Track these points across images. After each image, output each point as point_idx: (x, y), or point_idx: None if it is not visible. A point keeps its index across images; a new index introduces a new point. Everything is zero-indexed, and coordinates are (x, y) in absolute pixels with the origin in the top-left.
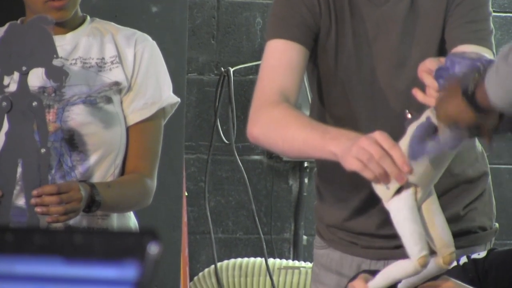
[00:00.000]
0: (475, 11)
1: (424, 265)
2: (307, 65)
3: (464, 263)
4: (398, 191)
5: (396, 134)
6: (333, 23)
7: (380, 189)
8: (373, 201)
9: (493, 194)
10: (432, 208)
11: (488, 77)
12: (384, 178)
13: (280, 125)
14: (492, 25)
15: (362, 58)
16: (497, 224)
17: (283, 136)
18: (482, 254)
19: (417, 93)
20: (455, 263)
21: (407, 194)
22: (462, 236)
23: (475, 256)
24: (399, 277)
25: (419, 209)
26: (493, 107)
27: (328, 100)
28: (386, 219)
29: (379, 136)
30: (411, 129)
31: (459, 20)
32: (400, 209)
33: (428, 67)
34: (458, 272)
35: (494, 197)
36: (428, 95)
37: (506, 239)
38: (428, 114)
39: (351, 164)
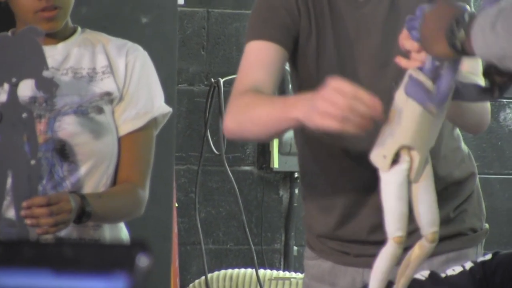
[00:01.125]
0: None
1: (399, 244)
2: (290, 71)
3: (471, 267)
4: (395, 161)
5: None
6: (313, 26)
7: (377, 159)
8: (360, 204)
9: (484, 204)
10: (424, 184)
11: (474, 37)
12: (362, 122)
13: (247, 108)
14: None
15: (344, 60)
16: (487, 225)
17: (251, 118)
18: (488, 256)
19: (400, 61)
20: (461, 268)
21: (400, 169)
22: (453, 238)
23: (481, 259)
24: (385, 264)
25: (413, 183)
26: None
27: None
28: (376, 224)
29: (337, 83)
30: (398, 94)
31: None
32: (388, 183)
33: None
34: (465, 276)
35: (485, 207)
36: (412, 60)
37: (497, 248)
38: (409, 73)
39: (319, 121)
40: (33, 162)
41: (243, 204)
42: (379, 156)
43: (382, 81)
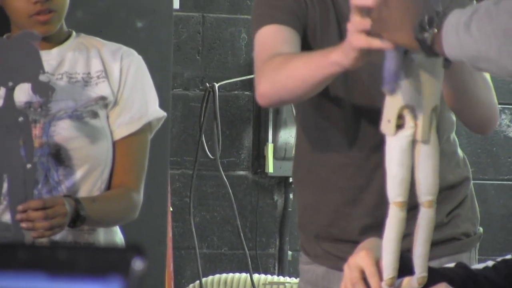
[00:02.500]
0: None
1: (401, 207)
2: None
3: (494, 265)
4: (401, 127)
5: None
6: (318, 21)
7: (383, 125)
8: (352, 204)
9: (479, 209)
10: (425, 151)
11: (445, 36)
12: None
13: (282, 65)
14: None
15: None
16: (481, 229)
17: (287, 73)
18: (508, 256)
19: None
20: (484, 264)
21: (404, 134)
22: (446, 243)
23: (500, 258)
24: (390, 232)
25: (417, 146)
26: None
27: (314, 101)
28: (368, 224)
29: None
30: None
31: None
32: (392, 148)
33: None
34: (492, 272)
35: (480, 213)
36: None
37: (492, 254)
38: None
39: (357, 42)
40: (29, 166)
41: (237, 209)
42: (384, 122)
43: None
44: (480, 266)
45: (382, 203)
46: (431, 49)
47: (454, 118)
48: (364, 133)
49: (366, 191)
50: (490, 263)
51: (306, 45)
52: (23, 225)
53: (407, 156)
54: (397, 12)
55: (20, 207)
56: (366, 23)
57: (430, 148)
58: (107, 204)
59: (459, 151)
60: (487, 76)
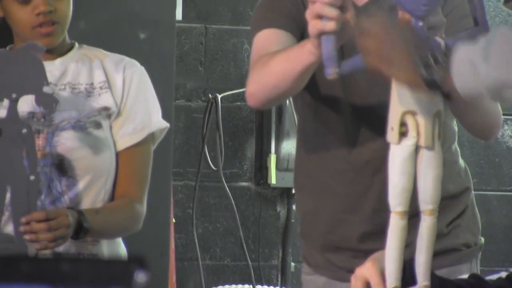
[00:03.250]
0: (466, 20)
1: (402, 217)
2: None
3: (508, 275)
4: (404, 134)
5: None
6: None
7: (388, 133)
8: (351, 210)
9: (481, 220)
10: (430, 160)
11: (457, 72)
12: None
13: (265, 65)
14: None
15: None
16: (482, 239)
17: (269, 70)
18: None
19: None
20: (498, 275)
21: (406, 144)
22: (446, 254)
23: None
24: (393, 240)
25: (420, 153)
26: (459, 94)
27: (312, 106)
28: (367, 232)
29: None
30: None
31: (450, 29)
32: (394, 157)
33: None
34: (504, 283)
35: (482, 224)
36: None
37: (494, 265)
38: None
39: (312, 34)
40: (32, 177)
41: (240, 220)
42: (389, 130)
43: (381, 83)
44: (494, 277)
45: (381, 210)
46: (439, 87)
47: (456, 128)
48: (363, 138)
49: (365, 197)
50: (503, 274)
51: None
52: (26, 237)
53: (409, 165)
54: (398, 50)
55: (23, 219)
56: (317, 7)
57: (433, 156)
58: (110, 216)
59: (461, 161)
60: None
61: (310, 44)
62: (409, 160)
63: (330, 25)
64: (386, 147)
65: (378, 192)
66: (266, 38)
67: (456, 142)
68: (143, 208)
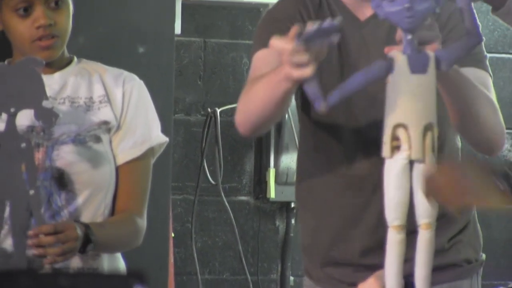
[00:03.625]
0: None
1: (399, 231)
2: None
3: None
4: (398, 147)
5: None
6: None
7: (383, 147)
8: (352, 226)
9: (482, 235)
10: (421, 172)
11: None
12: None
13: (247, 92)
14: (485, 50)
15: (347, 77)
16: (484, 256)
17: (250, 98)
18: None
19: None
20: None
21: (399, 158)
22: (447, 269)
23: None
24: (391, 255)
25: (414, 167)
26: None
27: (313, 119)
28: (368, 247)
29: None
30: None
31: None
32: (389, 171)
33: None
34: None
35: (482, 238)
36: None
37: (494, 279)
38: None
39: (288, 78)
40: (31, 192)
41: (239, 234)
42: (382, 144)
43: (378, 101)
44: None
45: (382, 225)
46: None
47: (459, 143)
48: (363, 154)
49: (365, 212)
50: None
51: None
52: (35, 251)
53: (403, 179)
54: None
55: (31, 232)
56: (286, 58)
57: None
58: (115, 230)
59: None
60: (494, 97)
61: (287, 69)
62: (403, 173)
63: (306, 72)
64: (383, 162)
65: (378, 207)
66: (261, 59)
67: (459, 158)
68: (144, 222)
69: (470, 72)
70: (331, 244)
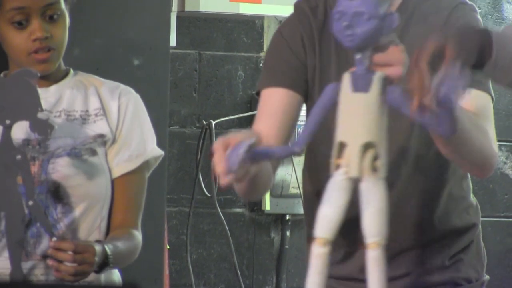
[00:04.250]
0: None
1: (321, 246)
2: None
3: None
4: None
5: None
6: (317, 61)
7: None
8: (355, 245)
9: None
10: (367, 191)
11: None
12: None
13: None
14: None
15: None
16: (487, 276)
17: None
18: None
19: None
20: None
21: (336, 174)
22: (446, 287)
23: None
24: (313, 265)
25: (359, 186)
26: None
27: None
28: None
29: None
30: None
31: None
32: (327, 187)
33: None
34: None
35: None
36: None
37: None
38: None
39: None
40: (31, 202)
41: (234, 246)
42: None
43: None
44: None
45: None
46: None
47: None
48: None
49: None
50: None
51: (309, 85)
52: (49, 262)
53: (338, 196)
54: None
55: (51, 243)
56: (222, 179)
57: (369, 189)
58: (125, 248)
59: (472, 198)
60: (491, 119)
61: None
62: (338, 191)
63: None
64: None
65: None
66: (265, 102)
67: (469, 179)
68: (140, 235)
69: (471, 95)
70: (339, 261)
